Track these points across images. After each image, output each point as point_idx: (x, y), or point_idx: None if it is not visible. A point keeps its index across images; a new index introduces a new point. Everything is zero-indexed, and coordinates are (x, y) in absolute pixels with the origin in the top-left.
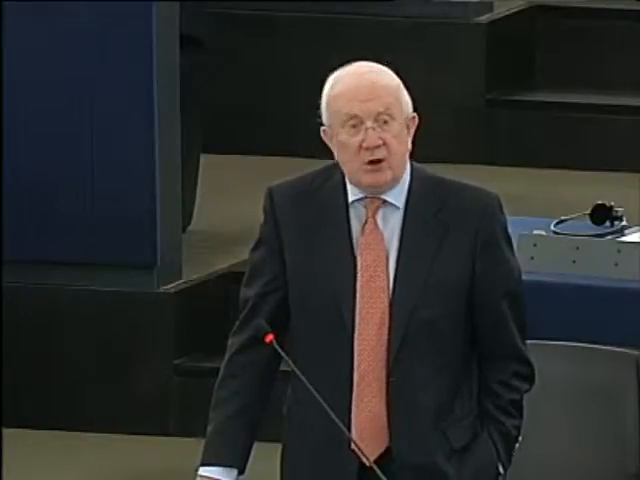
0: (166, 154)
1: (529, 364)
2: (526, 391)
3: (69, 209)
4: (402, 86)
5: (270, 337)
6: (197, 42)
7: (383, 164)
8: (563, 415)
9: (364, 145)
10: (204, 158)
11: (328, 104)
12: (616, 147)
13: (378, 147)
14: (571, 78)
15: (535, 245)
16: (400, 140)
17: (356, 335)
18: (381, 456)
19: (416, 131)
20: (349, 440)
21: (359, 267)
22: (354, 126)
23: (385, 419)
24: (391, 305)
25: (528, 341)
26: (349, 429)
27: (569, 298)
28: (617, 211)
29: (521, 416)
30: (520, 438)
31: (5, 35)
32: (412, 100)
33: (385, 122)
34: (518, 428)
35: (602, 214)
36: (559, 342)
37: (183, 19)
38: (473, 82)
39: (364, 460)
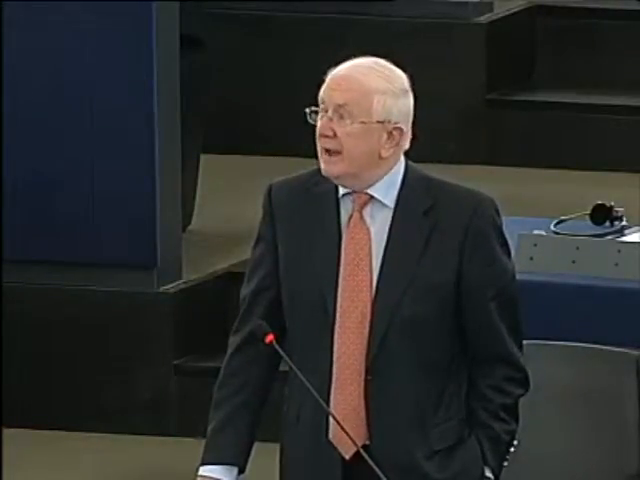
0: (166, 154)
1: (520, 368)
2: (520, 396)
3: (69, 209)
4: (392, 93)
5: (270, 337)
6: (197, 42)
7: (337, 156)
8: (563, 415)
9: (317, 128)
10: (204, 158)
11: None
12: (616, 147)
13: (327, 137)
14: (571, 78)
15: (535, 245)
16: (358, 140)
17: (336, 327)
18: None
19: (417, 131)
20: (327, 433)
21: (342, 260)
22: (321, 112)
23: (364, 415)
24: (374, 301)
25: (528, 341)
26: (327, 423)
27: (569, 298)
28: (617, 211)
29: (515, 421)
30: (515, 442)
31: (5, 35)
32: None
33: (341, 116)
34: (510, 432)
35: (602, 214)
36: (559, 342)
37: (183, 19)
38: (473, 82)
39: (342, 453)
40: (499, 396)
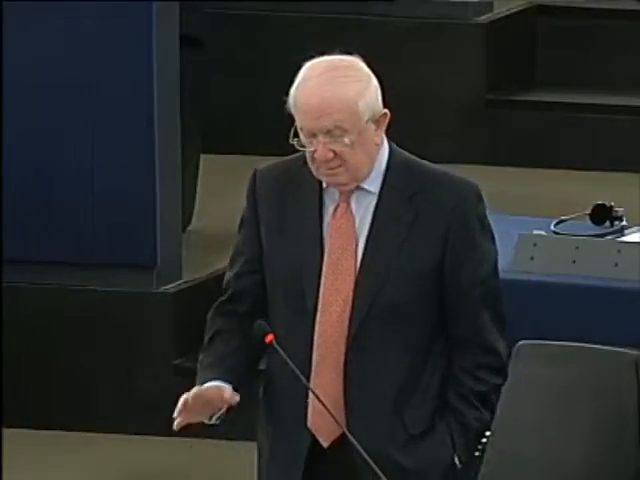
0: (166, 154)
1: (498, 356)
2: (496, 385)
3: (69, 209)
4: (366, 88)
5: (270, 337)
6: (197, 42)
7: (339, 169)
8: (562, 415)
9: (315, 156)
10: (204, 158)
11: (292, 104)
12: (616, 147)
13: (329, 159)
14: (571, 78)
15: (535, 245)
16: (356, 146)
17: (318, 317)
18: (338, 439)
19: (417, 131)
20: (305, 419)
21: (326, 250)
22: (309, 137)
23: (342, 402)
24: (355, 288)
25: (527, 341)
26: (306, 410)
27: (569, 298)
28: (617, 211)
29: (490, 410)
30: (488, 433)
31: (5, 35)
32: (412, 100)
33: (335, 136)
34: (482, 421)
35: (602, 214)
36: (559, 342)
37: (183, 19)
38: (473, 82)
39: (321, 440)
40: (472, 381)
